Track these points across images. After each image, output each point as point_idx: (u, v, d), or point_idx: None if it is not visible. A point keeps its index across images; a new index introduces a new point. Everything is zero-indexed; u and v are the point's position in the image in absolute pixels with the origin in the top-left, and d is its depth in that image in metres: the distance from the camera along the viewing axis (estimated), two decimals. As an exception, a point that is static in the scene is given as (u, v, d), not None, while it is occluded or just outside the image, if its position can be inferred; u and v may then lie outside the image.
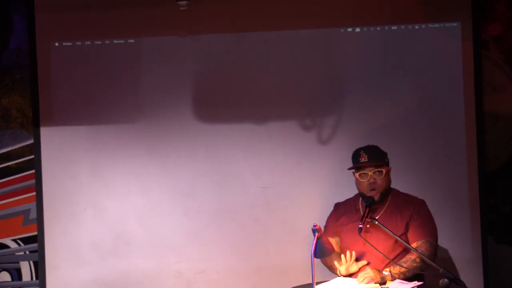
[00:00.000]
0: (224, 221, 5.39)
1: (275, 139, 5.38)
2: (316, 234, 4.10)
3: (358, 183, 4.48)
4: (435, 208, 5.16)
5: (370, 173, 4.40)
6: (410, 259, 4.31)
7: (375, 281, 4.18)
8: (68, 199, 5.43)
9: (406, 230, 4.41)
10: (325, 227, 4.64)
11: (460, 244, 5.28)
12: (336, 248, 4.51)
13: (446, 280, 3.91)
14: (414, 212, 4.44)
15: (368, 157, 4.40)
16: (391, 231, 4.27)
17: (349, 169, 4.50)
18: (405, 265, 4.27)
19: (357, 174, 4.44)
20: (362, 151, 4.44)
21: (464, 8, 5.29)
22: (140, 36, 5.42)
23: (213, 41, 5.40)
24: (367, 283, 4.17)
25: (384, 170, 4.41)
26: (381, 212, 4.45)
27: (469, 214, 5.29)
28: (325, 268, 4.68)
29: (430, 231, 4.42)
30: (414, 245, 4.32)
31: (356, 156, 4.47)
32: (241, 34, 5.39)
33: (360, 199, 4.54)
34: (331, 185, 5.25)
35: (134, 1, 5.39)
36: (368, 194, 4.42)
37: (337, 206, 4.66)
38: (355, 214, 4.51)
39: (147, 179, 5.42)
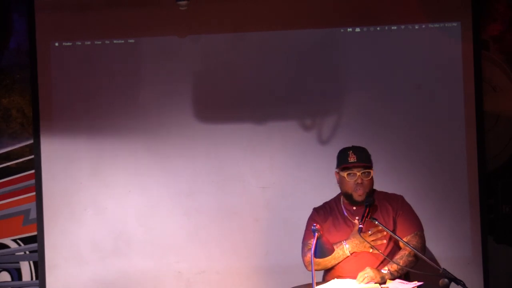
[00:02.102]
0: (224, 221, 5.39)
1: (275, 139, 5.38)
2: (316, 234, 4.09)
3: (344, 183, 4.43)
4: (435, 208, 5.18)
5: (358, 174, 4.37)
6: (405, 255, 4.33)
7: (375, 281, 4.18)
8: (68, 199, 5.43)
9: (395, 226, 4.42)
10: (307, 229, 4.52)
11: (460, 244, 5.28)
12: None
13: (446, 280, 3.91)
14: (398, 207, 4.44)
15: (357, 158, 4.38)
16: (389, 230, 4.27)
17: (338, 168, 4.45)
18: (401, 262, 4.28)
19: (345, 174, 4.41)
20: (351, 151, 4.40)
21: (464, 8, 5.29)
22: (140, 36, 5.42)
23: (213, 41, 5.40)
24: (367, 283, 4.17)
25: (371, 172, 4.39)
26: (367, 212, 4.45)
27: (469, 214, 5.29)
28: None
29: (417, 224, 4.44)
30: (404, 239, 4.33)
31: (344, 156, 4.42)
32: (241, 34, 5.39)
33: (342, 200, 4.51)
34: (331, 185, 5.23)
35: (134, 1, 5.39)
36: (354, 195, 4.39)
37: (318, 209, 4.58)
38: (340, 220, 4.48)
39: (147, 179, 5.42)
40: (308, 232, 4.49)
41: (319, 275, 4.18)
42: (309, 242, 4.41)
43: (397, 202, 4.47)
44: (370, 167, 4.40)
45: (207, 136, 5.40)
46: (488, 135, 5.35)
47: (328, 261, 4.37)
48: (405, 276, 4.36)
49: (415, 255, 4.31)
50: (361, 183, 4.37)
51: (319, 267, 4.41)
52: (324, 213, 4.54)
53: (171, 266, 5.41)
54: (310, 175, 5.36)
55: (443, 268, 4.03)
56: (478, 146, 5.29)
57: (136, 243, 5.42)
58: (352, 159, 4.38)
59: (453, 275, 3.96)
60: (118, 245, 5.42)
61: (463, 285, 3.92)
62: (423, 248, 4.38)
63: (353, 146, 4.47)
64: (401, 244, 4.35)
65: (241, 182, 5.40)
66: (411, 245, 4.26)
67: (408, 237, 4.37)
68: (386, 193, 4.54)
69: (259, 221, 5.39)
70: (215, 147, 5.40)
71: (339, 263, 4.42)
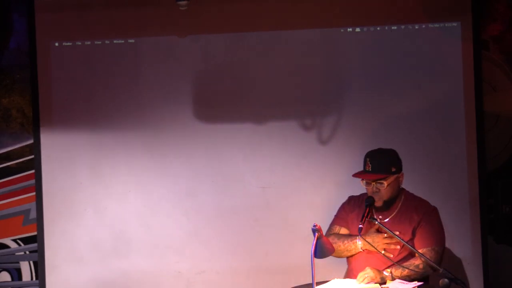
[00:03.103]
0: (224, 221, 5.39)
1: (275, 139, 5.38)
2: (316, 234, 4.10)
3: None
4: (435, 208, 5.17)
5: (373, 183, 4.38)
6: (413, 264, 4.30)
7: (375, 281, 4.18)
8: (68, 199, 5.43)
9: (413, 236, 4.39)
10: (336, 215, 4.61)
11: (460, 244, 5.28)
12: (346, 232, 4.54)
13: (446, 280, 3.91)
14: (423, 218, 4.40)
15: (372, 167, 4.36)
16: (395, 234, 4.26)
17: (354, 175, 4.46)
18: (407, 269, 4.27)
19: (362, 182, 4.42)
20: (369, 159, 4.39)
21: (464, 8, 5.29)
22: (140, 36, 5.42)
23: (213, 41, 5.40)
24: (367, 283, 4.17)
25: (385, 182, 4.35)
26: (392, 215, 4.43)
27: (469, 214, 5.29)
28: (325, 268, 4.69)
29: (437, 239, 4.38)
30: (419, 252, 4.30)
31: (364, 162, 4.43)
32: (241, 34, 5.39)
33: None
34: (331, 185, 5.25)
35: (134, 1, 5.39)
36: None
37: (350, 199, 4.63)
38: None
39: (147, 179, 5.42)
40: (336, 218, 4.60)
41: (319, 275, 4.18)
42: (332, 227, 4.55)
43: (424, 213, 4.43)
44: (385, 178, 4.35)
45: (207, 136, 5.40)
46: (488, 135, 5.35)
47: (341, 252, 4.44)
48: (424, 280, 4.32)
49: (424, 268, 4.26)
50: (377, 191, 4.37)
51: (334, 255, 4.41)
52: (354, 204, 4.57)
53: (171, 266, 5.41)
54: (310, 175, 5.35)
55: (443, 268, 4.03)
56: (478, 146, 5.29)
57: (136, 243, 5.42)
58: (368, 167, 4.38)
59: (453, 275, 3.96)
60: (118, 245, 5.42)
61: (463, 285, 3.92)
62: (436, 264, 4.25)
63: (373, 152, 4.45)
64: (415, 253, 4.32)
65: (241, 182, 5.40)
66: (426, 257, 4.23)
67: (424, 250, 4.32)
68: (419, 201, 4.51)
69: (259, 221, 5.39)
70: (215, 147, 5.40)
71: (352, 256, 4.47)
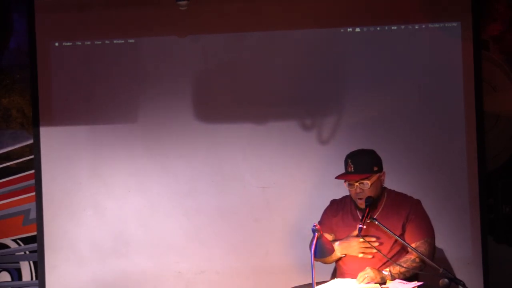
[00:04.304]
0: (224, 221, 5.39)
1: (275, 139, 5.38)
2: (316, 234, 4.10)
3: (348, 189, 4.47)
4: (435, 208, 5.17)
5: (356, 184, 4.38)
6: (410, 259, 4.31)
7: (375, 281, 4.18)
8: (68, 199, 5.43)
9: (403, 231, 4.40)
10: (320, 222, 4.59)
11: (460, 244, 5.28)
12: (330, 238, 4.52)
13: (446, 280, 3.91)
14: (410, 212, 4.42)
15: (354, 168, 4.37)
16: (391, 231, 4.26)
17: (336, 178, 4.46)
18: (404, 265, 4.27)
19: (345, 183, 4.42)
20: (350, 160, 4.39)
21: (464, 8, 5.29)
22: (140, 36, 5.42)
23: (213, 41, 5.40)
24: (367, 283, 4.17)
25: (369, 182, 4.36)
26: (377, 214, 4.44)
27: (469, 214, 5.29)
28: (325, 268, 4.68)
29: (428, 231, 4.41)
30: (413, 246, 4.31)
31: (345, 163, 4.43)
32: (241, 34, 5.39)
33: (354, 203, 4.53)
34: (331, 185, 5.23)
35: (134, 1, 5.39)
36: (357, 202, 4.41)
37: (333, 202, 4.64)
38: (350, 216, 4.50)
39: (147, 179, 5.42)
40: (320, 224, 4.54)
41: (319, 276, 4.18)
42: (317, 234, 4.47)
43: (410, 207, 4.45)
44: (368, 177, 4.36)
45: (207, 136, 5.40)
46: (488, 135, 5.35)
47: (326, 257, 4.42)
48: (415, 277, 4.33)
49: (421, 261, 4.28)
50: (361, 192, 4.37)
51: (318, 260, 4.41)
52: (337, 207, 4.58)
53: (171, 266, 5.41)
54: (310, 175, 5.35)
55: (443, 268, 4.03)
56: (478, 146, 5.29)
57: (136, 243, 5.42)
58: (350, 169, 4.39)
59: (453, 275, 3.96)
60: (118, 245, 5.42)
61: (463, 285, 3.92)
62: (430, 256, 4.31)
63: (355, 152, 4.45)
64: (408, 248, 4.33)
65: (241, 182, 5.40)
66: (419, 252, 4.24)
67: (417, 243, 4.34)
68: (402, 195, 4.53)
69: (259, 221, 5.39)
70: (215, 147, 5.40)
71: (339, 260, 4.47)
